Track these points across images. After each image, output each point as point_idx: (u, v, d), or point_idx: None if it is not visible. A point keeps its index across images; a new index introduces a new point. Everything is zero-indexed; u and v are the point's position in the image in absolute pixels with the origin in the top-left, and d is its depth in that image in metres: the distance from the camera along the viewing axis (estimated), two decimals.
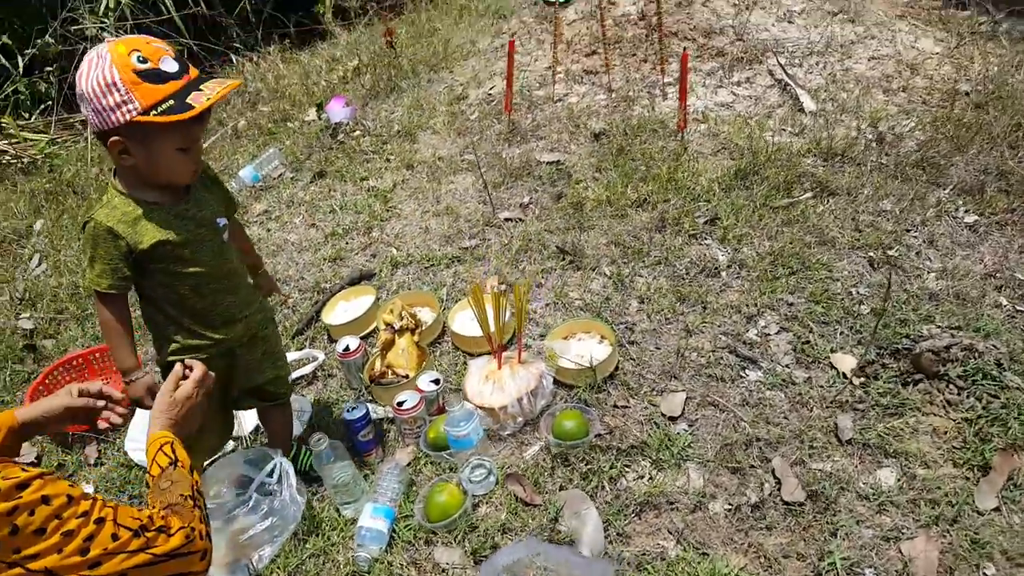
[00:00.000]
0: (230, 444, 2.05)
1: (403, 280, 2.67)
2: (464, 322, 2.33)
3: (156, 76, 1.32)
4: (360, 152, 3.47)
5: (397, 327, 2.19)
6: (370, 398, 2.19)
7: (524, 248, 2.68)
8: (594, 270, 2.53)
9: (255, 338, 1.74)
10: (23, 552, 1.02)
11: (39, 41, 4.93)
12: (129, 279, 1.49)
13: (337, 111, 3.59)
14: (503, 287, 2.50)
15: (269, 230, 3.12)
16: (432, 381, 2.05)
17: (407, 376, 2.15)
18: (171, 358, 1.64)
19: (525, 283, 2.12)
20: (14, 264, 3.15)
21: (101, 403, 1.45)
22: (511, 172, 3.08)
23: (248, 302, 1.70)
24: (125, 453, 2.14)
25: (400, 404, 1.96)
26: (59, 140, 4.88)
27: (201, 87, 1.36)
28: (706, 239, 2.58)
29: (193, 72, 1.39)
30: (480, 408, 1.98)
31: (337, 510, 1.85)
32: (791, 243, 2.48)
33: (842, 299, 2.25)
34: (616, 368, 2.12)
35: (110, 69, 1.30)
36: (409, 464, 1.95)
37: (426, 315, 2.43)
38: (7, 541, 1.00)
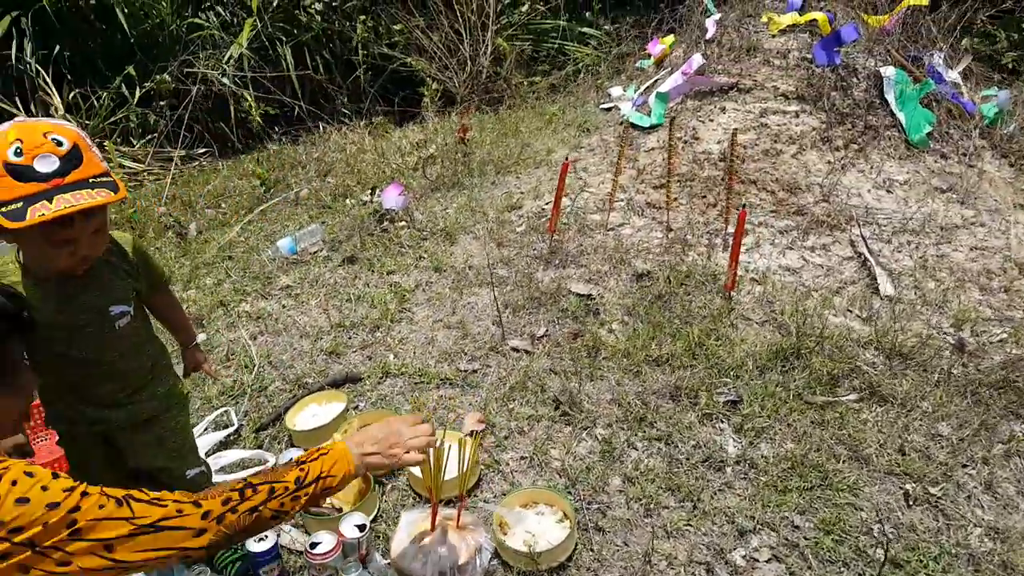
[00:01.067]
0: None
1: (386, 393, 2.58)
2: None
3: (19, 173, 1.28)
4: (396, 244, 3.47)
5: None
6: (299, 523, 2.06)
7: (521, 386, 2.53)
8: (586, 430, 2.34)
9: (146, 423, 1.71)
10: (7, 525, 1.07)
11: (157, 77, 5.39)
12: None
13: (391, 197, 3.64)
14: (481, 428, 2.35)
15: (284, 306, 3.14)
16: (357, 526, 1.90)
17: (340, 510, 2.02)
18: (50, 426, 1.69)
19: (474, 439, 1.96)
20: None
21: None
22: (536, 297, 2.97)
23: (138, 388, 1.67)
24: None
25: (312, 547, 1.83)
26: (151, 172, 5.25)
27: (59, 196, 1.29)
28: (721, 422, 2.35)
29: (77, 174, 1.33)
30: (399, 574, 1.82)
31: None
32: (817, 450, 2.20)
33: (858, 535, 1.95)
34: (570, 558, 1.91)
35: None
36: None
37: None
38: None
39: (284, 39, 6.00)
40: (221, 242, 3.74)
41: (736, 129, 3.42)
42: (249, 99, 5.62)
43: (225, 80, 5.65)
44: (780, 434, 2.29)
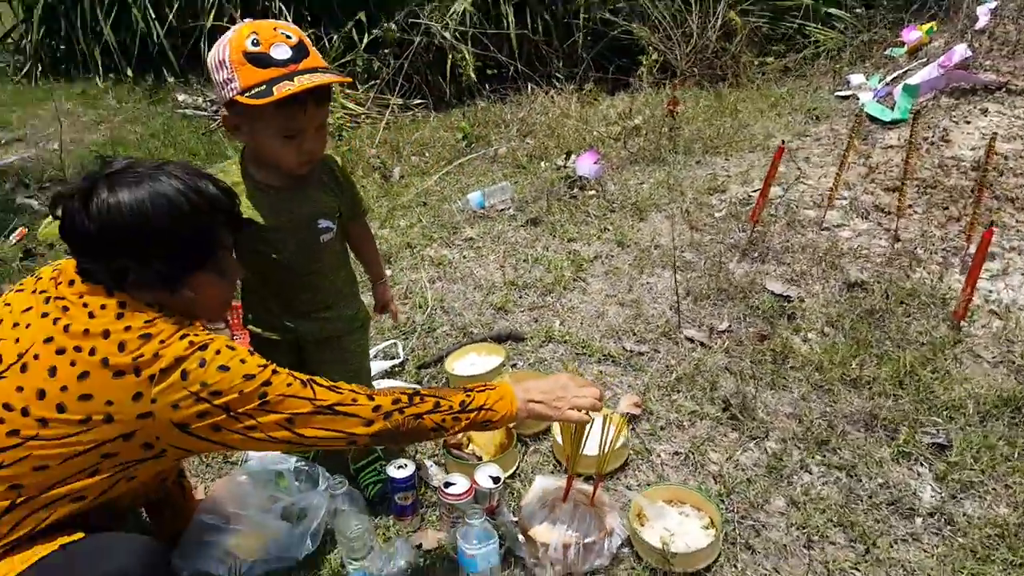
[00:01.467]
0: None
1: (546, 357, 2.53)
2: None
3: (259, 60, 1.41)
4: (583, 212, 3.40)
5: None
6: (441, 462, 2.09)
7: (689, 379, 2.36)
8: (754, 440, 2.14)
9: (328, 340, 1.79)
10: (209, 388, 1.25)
11: (384, 25, 5.69)
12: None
13: (585, 165, 3.56)
14: (636, 412, 2.23)
15: (464, 257, 3.19)
16: (492, 477, 1.88)
17: (480, 458, 2.01)
18: (248, 327, 1.82)
19: (623, 421, 1.84)
20: None
21: None
22: (724, 289, 2.76)
23: (329, 305, 1.75)
24: None
25: (446, 486, 1.83)
26: (368, 115, 5.59)
27: (298, 77, 1.41)
28: (920, 465, 2.03)
29: (308, 63, 1.44)
30: (523, 534, 1.77)
31: (342, 564, 1.78)
32: None
33: None
34: (709, 568, 1.75)
35: (225, 48, 1.43)
36: (430, 552, 1.81)
37: None
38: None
39: None
40: (419, 188, 3.89)
41: (996, 135, 2.93)
42: (466, 54, 5.77)
43: (446, 34, 5.84)
44: (993, 494, 1.94)
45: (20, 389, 1.25)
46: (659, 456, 2.10)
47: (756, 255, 2.96)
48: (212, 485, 2.02)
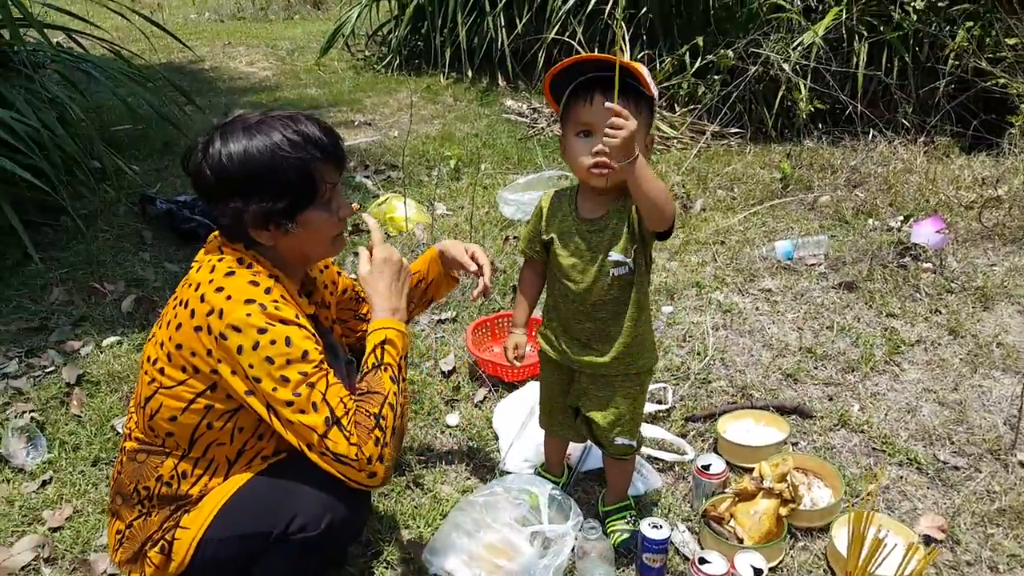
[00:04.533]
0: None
1: (835, 445, 2.31)
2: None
3: None
4: (912, 286, 3.04)
5: (767, 485, 1.93)
6: (695, 530, 2.01)
7: (1016, 514, 2.01)
8: None
9: (603, 378, 1.82)
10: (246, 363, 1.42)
11: (720, 50, 5.63)
12: (539, 253, 1.82)
13: (925, 232, 3.19)
14: (940, 538, 1.94)
15: (757, 309, 3.05)
16: (754, 567, 1.77)
17: (741, 540, 1.90)
18: (539, 338, 1.94)
19: (929, 551, 1.60)
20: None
21: (473, 267, 1.93)
22: None
23: (606, 339, 1.77)
24: (491, 416, 2.46)
25: (701, 562, 1.75)
26: (680, 140, 5.59)
27: None
28: None
29: None
30: None
31: None
32: None
33: None
34: None
35: None
36: None
37: (821, 496, 2.07)
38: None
39: (865, 33, 5.66)
40: (720, 225, 3.79)
41: None
42: (802, 89, 5.49)
43: (785, 66, 5.61)
44: None
45: (160, 344, 1.52)
46: None
47: None
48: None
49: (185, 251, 3.67)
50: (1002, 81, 5.22)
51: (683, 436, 2.38)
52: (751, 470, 2.20)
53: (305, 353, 1.44)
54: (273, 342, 1.42)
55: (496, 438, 2.38)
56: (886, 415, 2.42)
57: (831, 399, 2.52)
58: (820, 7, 5.90)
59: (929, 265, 3.14)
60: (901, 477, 2.18)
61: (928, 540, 1.94)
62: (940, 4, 5.69)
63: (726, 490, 2.05)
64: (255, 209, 1.46)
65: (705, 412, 2.46)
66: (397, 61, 7.27)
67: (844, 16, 5.64)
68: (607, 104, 1.47)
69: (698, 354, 2.76)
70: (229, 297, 1.45)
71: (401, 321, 1.63)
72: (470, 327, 2.79)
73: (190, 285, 1.52)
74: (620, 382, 1.83)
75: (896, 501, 2.09)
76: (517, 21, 6.27)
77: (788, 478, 1.96)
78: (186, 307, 1.49)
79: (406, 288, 1.69)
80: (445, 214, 4.06)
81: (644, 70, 1.56)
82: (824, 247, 3.35)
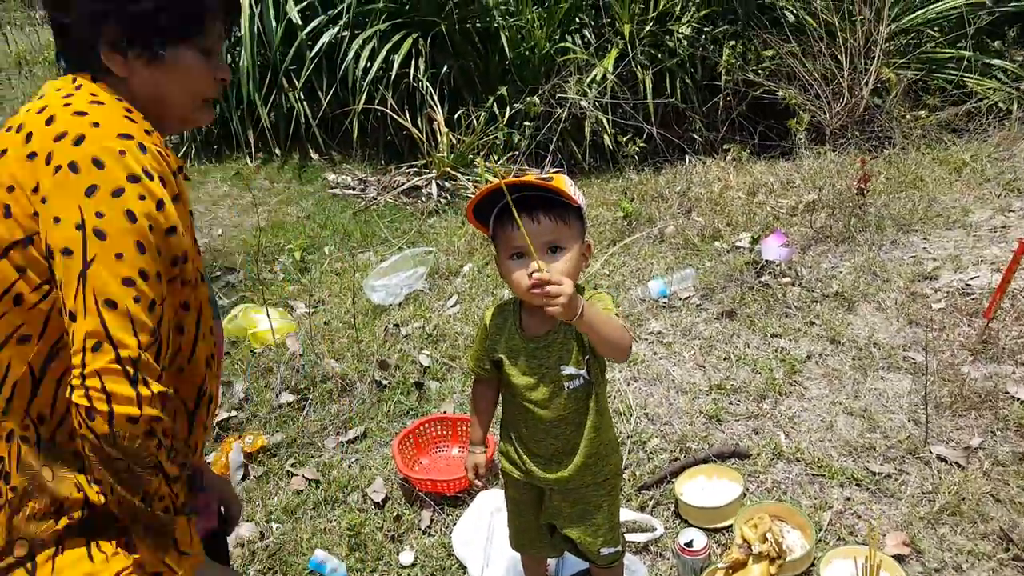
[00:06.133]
0: None
1: (780, 479, 2.37)
2: None
3: None
4: (782, 303, 3.24)
5: (756, 551, 1.92)
6: None
7: (953, 509, 2.16)
8: None
9: (570, 490, 1.72)
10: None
11: (527, 99, 5.76)
12: (489, 371, 1.69)
13: (772, 248, 3.42)
14: (906, 553, 2.03)
15: (656, 354, 3.09)
16: None
17: None
18: (499, 457, 1.81)
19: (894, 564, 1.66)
20: (437, 299, 3.66)
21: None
22: (965, 397, 2.54)
23: (571, 451, 1.66)
24: (448, 543, 2.26)
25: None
26: None
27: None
28: None
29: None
30: None
31: None
32: None
33: None
34: None
35: None
36: None
37: (793, 540, 2.10)
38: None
39: (647, 64, 6.06)
40: (586, 273, 3.83)
41: None
42: (605, 123, 5.76)
43: (584, 102, 5.86)
44: None
45: None
46: None
47: (992, 356, 2.73)
48: None
49: None
50: (772, 89, 5.82)
51: (642, 510, 2.33)
52: (721, 530, 2.21)
53: (176, 260, 1.11)
54: (142, 197, 1.05)
55: (462, 567, 2.18)
56: (810, 437, 2.53)
57: (756, 432, 2.59)
58: (607, 47, 6.23)
59: (788, 279, 3.36)
60: (848, 498, 2.28)
61: (899, 558, 2.03)
62: (705, 28, 6.24)
63: (716, 563, 2.02)
64: (128, 13, 1.12)
65: (655, 477, 2.43)
66: (193, 150, 6.70)
67: (629, 51, 6.00)
68: (534, 274, 1.40)
69: (623, 415, 2.73)
70: (96, 124, 1.07)
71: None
72: (395, 444, 2.56)
73: (30, 111, 1.12)
74: (592, 492, 1.74)
75: (855, 526, 2.18)
76: (319, 94, 6.02)
77: (769, 536, 1.97)
78: (20, 131, 1.09)
79: None
80: (307, 312, 3.74)
81: (566, 181, 1.51)
82: (691, 279, 3.48)
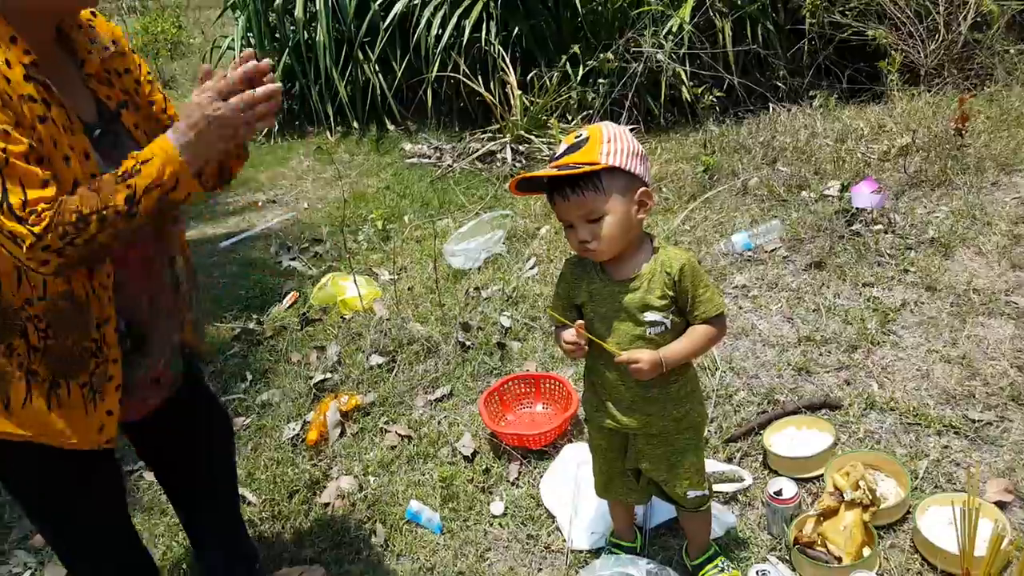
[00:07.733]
0: None
1: (874, 429, 2.34)
2: (938, 529, 1.91)
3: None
4: (874, 251, 3.14)
5: (848, 498, 1.92)
6: (787, 559, 1.97)
7: None
8: None
9: (654, 435, 1.77)
10: None
11: (600, 55, 5.69)
12: (572, 319, 1.70)
13: (863, 196, 3.30)
14: (1008, 500, 1.98)
15: (740, 308, 3.06)
16: None
17: (840, 560, 1.87)
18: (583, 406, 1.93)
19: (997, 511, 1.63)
20: (516, 261, 3.72)
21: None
22: None
23: (651, 399, 1.72)
24: (536, 494, 2.34)
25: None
26: None
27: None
28: None
29: (567, 159, 1.56)
30: None
31: None
32: None
33: None
34: None
35: None
36: None
37: (887, 488, 2.08)
38: None
39: (726, 11, 5.87)
40: (666, 229, 3.80)
41: None
42: (683, 75, 5.64)
43: (660, 56, 5.74)
44: None
45: None
46: None
47: None
48: None
49: None
50: (861, 29, 5.54)
51: (729, 461, 2.34)
52: (812, 479, 2.21)
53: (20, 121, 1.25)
54: None
55: (552, 517, 2.26)
56: (905, 387, 2.47)
57: (848, 383, 2.55)
58: None
59: (880, 226, 3.25)
60: (946, 446, 2.23)
61: (1001, 505, 1.98)
62: None
63: (807, 511, 2.03)
64: None
65: (742, 429, 2.43)
66: (276, 127, 6.94)
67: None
68: (616, 359, 1.63)
69: (708, 369, 2.74)
70: None
71: (186, 162, 1.33)
72: (481, 401, 2.65)
73: None
74: (676, 438, 1.79)
75: (953, 473, 2.13)
76: (394, 65, 6.13)
77: (861, 483, 1.95)
78: None
79: (223, 143, 1.37)
80: (391, 279, 3.88)
81: (601, 137, 1.55)
82: (778, 231, 3.41)
